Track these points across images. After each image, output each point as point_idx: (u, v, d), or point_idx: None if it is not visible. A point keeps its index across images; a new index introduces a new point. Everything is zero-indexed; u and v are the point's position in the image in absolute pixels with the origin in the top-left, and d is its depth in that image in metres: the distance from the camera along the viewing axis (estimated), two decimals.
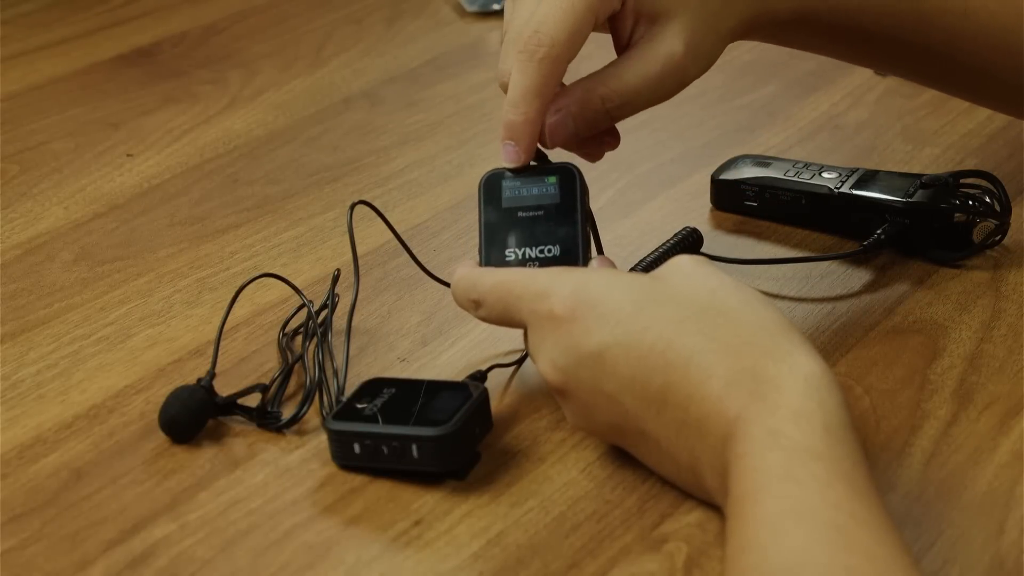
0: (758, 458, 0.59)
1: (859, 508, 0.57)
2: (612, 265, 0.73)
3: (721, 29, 0.77)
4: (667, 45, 0.74)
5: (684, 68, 0.75)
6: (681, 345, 0.63)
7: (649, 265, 0.84)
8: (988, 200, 0.86)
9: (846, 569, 0.55)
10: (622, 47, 0.77)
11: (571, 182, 0.74)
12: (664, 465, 0.67)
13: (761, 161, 0.94)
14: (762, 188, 0.91)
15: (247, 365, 0.79)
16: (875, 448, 0.70)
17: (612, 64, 0.76)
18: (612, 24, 0.77)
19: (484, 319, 0.72)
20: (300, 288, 0.82)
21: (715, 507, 0.65)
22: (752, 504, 0.58)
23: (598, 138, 0.77)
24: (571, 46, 0.73)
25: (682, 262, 0.68)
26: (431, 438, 0.67)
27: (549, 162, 0.77)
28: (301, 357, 0.77)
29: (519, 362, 0.78)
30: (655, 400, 0.64)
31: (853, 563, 0.55)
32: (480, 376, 0.75)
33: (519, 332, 0.79)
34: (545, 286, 0.67)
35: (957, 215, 0.86)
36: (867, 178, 0.89)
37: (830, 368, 0.62)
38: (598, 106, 0.74)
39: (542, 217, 0.74)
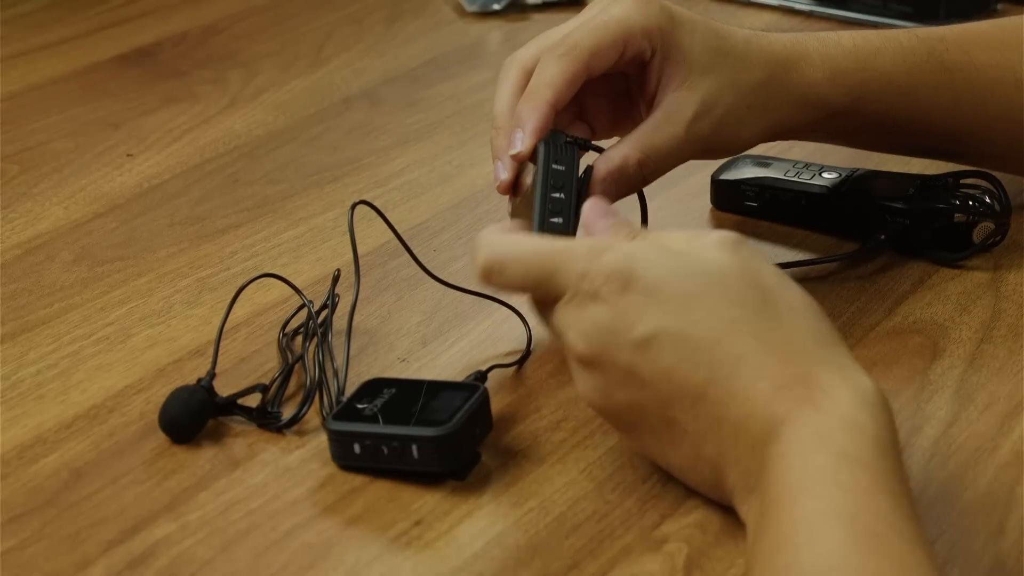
0: (803, 458, 0.58)
1: (900, 521, 0.56)
2: (609, 205, 0.71)
3: (754, 104, 0.80)
4: (689, 110, 0.78)
5: (704, 136, 0.79)
6: (731, 344, 0.62)
7: None
8: (988, 200, 0.86)
9: (878, 575, 0.54)
10: (647, 99, 0.80)
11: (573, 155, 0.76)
12: (679, 456, 0.65)
13: (761, 161, 0.94)
14: (762, 188, 0.91)
15: (247, 365, 0.79)
16: None
17: (641, 128, 0.78)
18: (639, 73, 0.79)
19: (501, 288, 0.69)
20: (300, 288, 0.82)
21: (715, 508, 0.65)
22: (790, 503, 0.58)
23: None
24: (593, 54, 0.76)
25: (736, 255, 0.65)
26: (431, 438, 0.67)
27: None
28: (301, 357, 0.77)
29: (519, 362, 0.78)
30: (692, 393, 0.62)
31: (886, 570, 0.54)
32: (480, 376, 0.75)
33: (519, 332, 0.79)
34: (585, 261, 0.65)
35: (957, 215, 0.86)
36: (867, 178, 0.89)
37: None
38: (635, 172, 0.77)
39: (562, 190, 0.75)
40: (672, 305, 0.63)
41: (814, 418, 0.59)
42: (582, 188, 0.76)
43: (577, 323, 0.65)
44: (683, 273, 0.64)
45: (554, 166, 0.74)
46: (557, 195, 0.73)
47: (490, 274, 0.68)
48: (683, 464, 0.66)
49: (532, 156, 0.75)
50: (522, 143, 0.76)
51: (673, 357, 0.63)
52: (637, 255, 0.64)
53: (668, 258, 0.65)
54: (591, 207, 0.70)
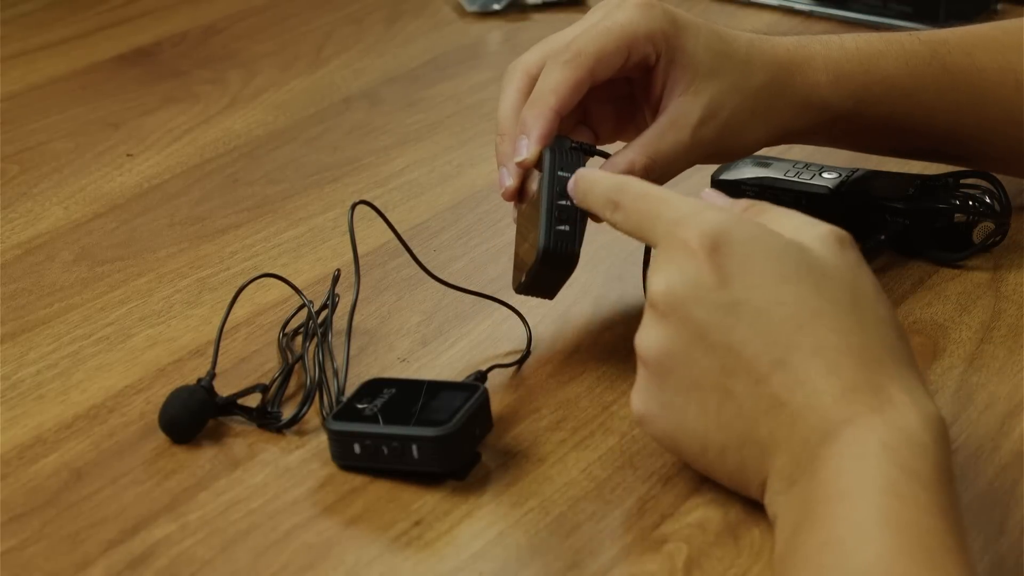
0: (864, 463, 0.58)
1: (951, 542, 0.56)
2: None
3: (758, 107, 0.80)
4: (695, 115, 0.78)
5: (709, 140, 0.79)
6: (811, 333, 0.61)
7: None
8: (988, 200, 0.86)
9: None
10: (651, 103, 0.80)
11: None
12: (724, 432, 0.63)
13: (761, 161, 0.94)
14: (762, 188, 0.91)
15: (247, 365, 0.79)
16: None
17: (647, 133, 0.78)
18: (644, 78, 0.80)
19: (615, 224, 0.69)
20: (300, 288, 0.82)
21: (715, 508, 0.65)
22: (843, 503, 0.57)
23: None
24: (597, 60, 0.77)
25: (842, 256, 0.65)
26: (431, 438, 0.67)
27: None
28: (301, 357, 0.77)
29: (519, 362, 0.78)
30: (758, 371, 0.62)
31: None
32: (480, 376, 0.75)
33: (519, 332, 0.79)
34: (686, 214, 0.64)
35: (957, 215, 0.86)
36: (867, 178, 0.89)
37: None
38: (641, 177, 0.76)
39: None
40: (761, 281, 0.62)
41: (881, 427, 0.59)
42: None
43: (663, 267, 0.64)
44: (781, 256, 0.63)
45: (560, 173, 0.74)
46: (564, 202, 0.73)
47: (609, 212, 0.69)
48: (726, 442, 0.64)
49: (537, 163, 0.75)
50: (527, 150, 0.76)
51: (749, 330, 0.62)
52: (739, 224, 0.64)
53: (769, 237, 0.64)
54: (708, 191, 0.70)
